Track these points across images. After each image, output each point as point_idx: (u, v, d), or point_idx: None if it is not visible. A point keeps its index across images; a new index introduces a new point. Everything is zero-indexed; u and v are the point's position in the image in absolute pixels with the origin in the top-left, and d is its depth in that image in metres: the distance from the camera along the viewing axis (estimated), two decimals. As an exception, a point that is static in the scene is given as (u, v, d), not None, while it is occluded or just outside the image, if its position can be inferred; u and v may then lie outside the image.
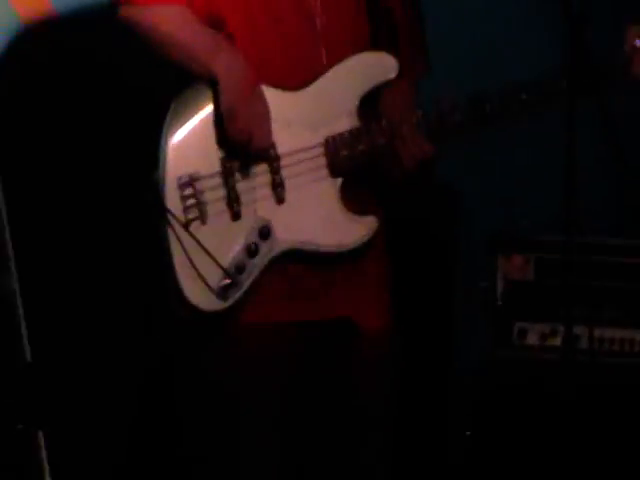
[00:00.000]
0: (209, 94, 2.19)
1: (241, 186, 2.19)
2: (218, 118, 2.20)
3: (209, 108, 2.19)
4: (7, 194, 2.13)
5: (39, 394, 2.21)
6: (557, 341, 3.01)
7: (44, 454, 2.28)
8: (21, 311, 2.17)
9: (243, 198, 2.18)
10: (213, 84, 2.21)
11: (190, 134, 2.18)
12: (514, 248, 2.92)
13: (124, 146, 2.42)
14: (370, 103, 2.27)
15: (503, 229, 2.94)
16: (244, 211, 2.18)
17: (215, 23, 2.26)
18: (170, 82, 2.22)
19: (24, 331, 2.13)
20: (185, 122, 2.19)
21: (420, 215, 3.01)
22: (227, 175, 2.19)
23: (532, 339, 2.99)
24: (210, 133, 2.19)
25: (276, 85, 2.22)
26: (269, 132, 2.19)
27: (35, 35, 2.54)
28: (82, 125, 2.60)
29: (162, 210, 2.16)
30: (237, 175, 2.19)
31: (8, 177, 2.08)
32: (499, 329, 2.95)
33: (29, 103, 2.51)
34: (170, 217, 2.14)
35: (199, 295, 2.17)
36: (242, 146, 2.17)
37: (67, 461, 2.53)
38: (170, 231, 2.16)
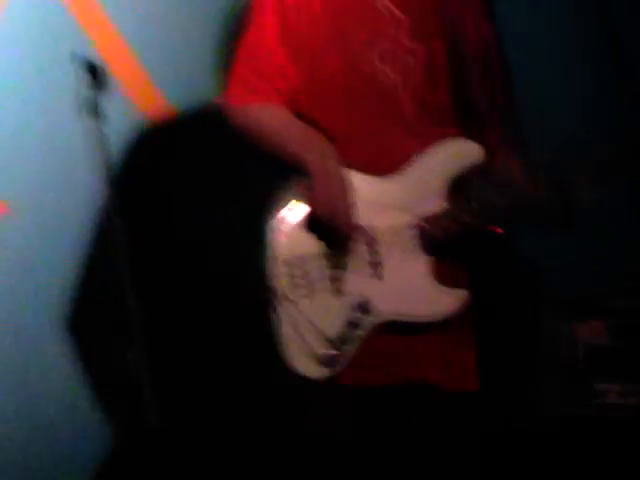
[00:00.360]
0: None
1: (343, 265, 2.38)
2: None
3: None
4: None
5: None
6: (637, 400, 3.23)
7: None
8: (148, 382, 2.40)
9: (345, 277, 2.39)
10: (308, 174, 2.45)
11: (297, 220, 2.41)
12: (592, 314, 3.18)
13: (236, 229, 2.69)
14: (460, 184, 2.45)
15: (579, 294, 3.20)
16: (346, 288, 2.38)
17: (309, 119, 2.50)
18: (274, 172, 2.51)
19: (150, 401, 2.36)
20: (292, 209, 2.41)
21: (504, 286, 3.26)
22: (330, 256, 2.39)
23: (611, 398, 3.20)
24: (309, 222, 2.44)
25: (370, 172, 2.42)
26: (350, 212, 2.38)
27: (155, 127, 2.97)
28: (198, 207, 2.92)
29: (272, 289, 2.46)
30: (339, 256, 2.40)
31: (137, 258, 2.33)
32: (579, 389, 3.18)
33: (150, 187, 2.82)
34: (280, 295, 2.38)
35: (305, 364, 2.36)
36: (327, 221, 2.39)
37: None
38: (280, 307, 2.37)
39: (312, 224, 2.45)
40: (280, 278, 2.40)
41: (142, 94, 2.96)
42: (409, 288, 2.42)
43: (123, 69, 2.92)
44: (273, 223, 2.44)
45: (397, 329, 2.43)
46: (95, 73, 2.57)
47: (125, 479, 2.96)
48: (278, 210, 2.44)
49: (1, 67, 2.62)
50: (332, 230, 2.42)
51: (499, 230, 2.80)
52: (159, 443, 2.44)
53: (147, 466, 2.49)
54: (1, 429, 2.70)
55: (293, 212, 2.45)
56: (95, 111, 2.49)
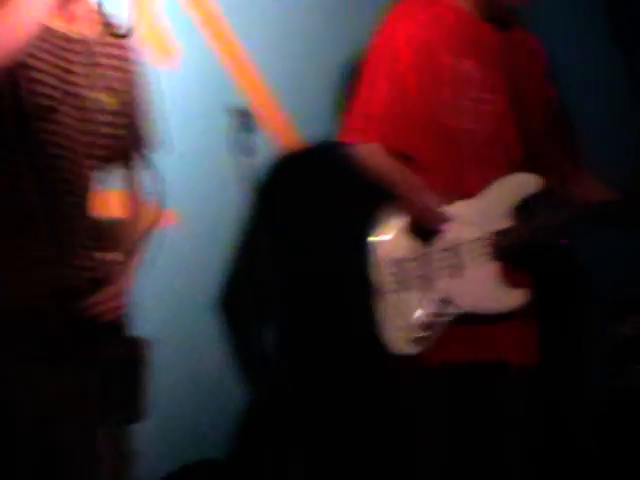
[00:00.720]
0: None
1: (431, 267, 3.13)
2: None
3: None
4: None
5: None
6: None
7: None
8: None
9: (432, 275, 3.13)
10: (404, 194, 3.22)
11: (397, 231, 3.18)
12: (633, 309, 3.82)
13: (350, 238, 3.41)
14: (525, 206, 3.20)
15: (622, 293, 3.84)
16: (434, 285, 3.11)
17: (404, 157, 3.24)
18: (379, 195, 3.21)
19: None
20: (393, 223, 3.19)
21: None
22: (422, 260, 3.14)
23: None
24: (407, 231, 3.18)
25: (453, 197, 3.18)
26: (437, 208, 3.14)
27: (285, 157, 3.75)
28: (321, 220, 3.67)
29: (376, 284, 3.18)
30: (429, 260, 3.15)
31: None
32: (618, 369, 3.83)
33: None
34: (382, 289, 3.16)
35: (401, 344, 3.11)
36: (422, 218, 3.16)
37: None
38: (381, 299, 3.16)
39: (411, 229, 3.17)
40: (383, 276, 3.14)
41: (280, 131, 3.71)
42: (482, 287, 3.15)
43: (266, 111, 3.65)
44: (377, 233, 3.19)
45: (473, 319, 3.12)
46: (246, 117, 3.32)
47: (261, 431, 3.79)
48: (382, 224, 3.19)
49: (174, 109, 3.38)
50: (426, 228, 3.15)
51: (561, 241, 3.50)
52: (289, 402, 3.17)
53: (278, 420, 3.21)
54: (175, 392, 3.47)
55: (392, 225, 3.19)
56: (245, 147, 3.25)
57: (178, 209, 3.47)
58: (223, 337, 3.72)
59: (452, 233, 3.15)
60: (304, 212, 3.72)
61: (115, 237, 2.91)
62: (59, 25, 2.67)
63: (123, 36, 2.69)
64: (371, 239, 3.19)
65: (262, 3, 3.76)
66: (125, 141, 2.77)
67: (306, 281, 3.71)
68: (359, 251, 3.18)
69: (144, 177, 2.79)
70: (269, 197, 3.54)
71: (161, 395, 2.83)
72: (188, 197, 3.52)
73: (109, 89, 2.73)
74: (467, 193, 3.19)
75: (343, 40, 3.69)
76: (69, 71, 2.66)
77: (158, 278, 3.35)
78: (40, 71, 2.62)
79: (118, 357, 2.96)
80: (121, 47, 2.76)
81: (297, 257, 3.66)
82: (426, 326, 3.09)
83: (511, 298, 3.13)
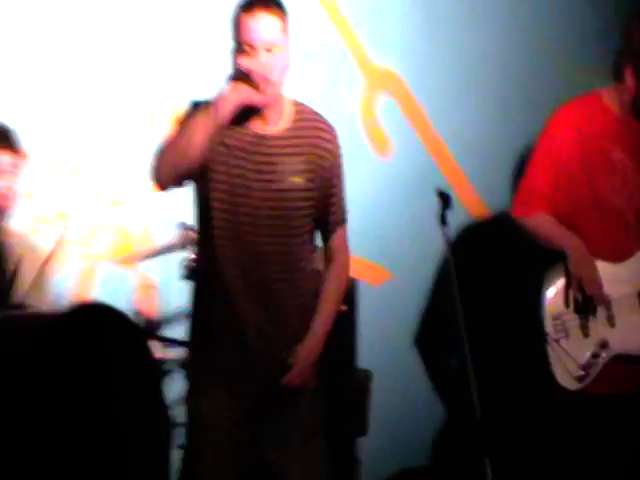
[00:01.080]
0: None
1: (589, 318, 3.88)
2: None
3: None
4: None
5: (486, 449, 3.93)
6: None
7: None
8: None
9: (590, 324, 3.88)
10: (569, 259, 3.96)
11: (559, 288, 3.92)
12: None
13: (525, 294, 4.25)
14: None
15: None
16: (591, 332, 3.87)
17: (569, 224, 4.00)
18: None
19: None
20: (556, 281, 3.93)
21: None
22: (581, 312, 3.89)
23: None
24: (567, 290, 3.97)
25: (607, 260, 3.93)
26: (600, 285, 3.87)
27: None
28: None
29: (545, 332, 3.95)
30: (587, 312, 3.93)
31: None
32: None
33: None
34: (549, 336, 3.92)
35: (567, 381, 3.87)
36: (586, 291, 3.89)
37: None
38: (549, 345, 3.91)
39: (572, 291, 3.94)
40: (549, 325, 3.89)
41: (471, 205, 4.60)
42: (633, 333, 3.89)
43: (461, 190, 4.58)
44: (546, 291, 3.94)
45: (625, 360, 3.89)
46: (446, 196, 4.12)
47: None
48: (550, 283, 3.93)
49: (389, 192, 4.38)
50: (586, 295, 3.90)
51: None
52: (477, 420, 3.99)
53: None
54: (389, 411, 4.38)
55: (558, 284, 3.95)
56: (444, 221, 4.07)
57: (392, 269, 4.46)
58: (426, 367, 4.67)
59: (607, 289, 3.88)
60: (489, 270, 4.59)
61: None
62: (256, 122, 3.33)
63: (316, 128, 3.35)
64: (542, 294, 3.95)
65: (460, 112, 4.62)
66: (319, 211, 3.39)
67: (488, 325, 4.53)
68: (533, 304, 3.98)
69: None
70: (462, 258, 4.23)
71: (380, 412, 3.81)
72: (400, 260, 4.48)
73: (297, 168, 3.35)
74: (619, 257, 3.93)
75: (519, 128, 4.52)
76: (256, 159, 3.32)
77: (376, 323, 4.32)
78: (224, 158, 3.30)
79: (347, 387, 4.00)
80: (313, 132, 3.37)
81: (482, 306, 4.49)
82: (586, 366, 3.84)
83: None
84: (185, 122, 3.31)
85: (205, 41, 4.33)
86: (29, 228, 4.13)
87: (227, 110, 3.25)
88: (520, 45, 4.81)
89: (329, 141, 3.40)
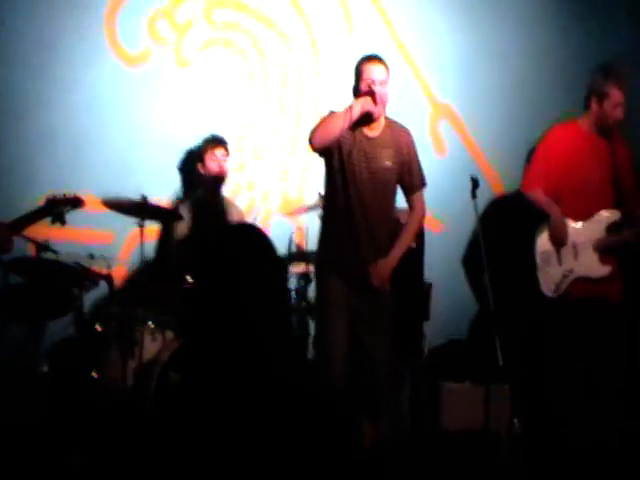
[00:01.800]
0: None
1: (561, 254, 6.03)
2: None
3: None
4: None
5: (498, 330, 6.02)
6: None
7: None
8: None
9: (562, 258, 6.03)
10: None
11: (545, 236, 6.06)
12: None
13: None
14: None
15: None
16: (563, 262, 6.01)
17: (555, 197, 6.07)
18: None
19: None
20: (543, 232, 6.07)
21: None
22: (557, 251, 6.05)
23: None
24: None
25: (575, 219, 6.04)
26: (564, 237, 5.99)
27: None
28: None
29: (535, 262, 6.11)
30: (561, 251, 6.07)
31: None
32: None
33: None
34: (538, 265, 6.06)
35: (548, 290, 6.04)
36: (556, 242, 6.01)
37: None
38: (538, 269, 6.10)
39: (551, 240, 6.05)
40: (538, 257, 6.05)
41: (494, 186, 6.87)
42: (588, 264, 6.03)
43: (488, 176, 6.88)
44: (537, 237, 6.09)
45: (584, 280, 6.00)
46: (476, 180, 6.14)
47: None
48: (540, 232, 6.06)
49: (444, 177, 6.58)
50: (557, 241, 6.03)
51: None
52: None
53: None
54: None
55: (544, 233, 6.05)
56: (474, 195, 5.98)
57: (445, 222, 6.78)
58: (467, 280, 6.85)
59: (575, 236, 5.97)
60: (505, 225, 6.64)
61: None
62: (366, 130, 5.43)
63: (398, 132, 5.41)
64: (534, 239, 6.10)
65: (488, 125, 6.87)
66: (402, 180, 5.47)
67: (503, 256, 6.47)
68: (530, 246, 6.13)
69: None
70: (488, 219, 6.61)
71: (436, 306, 6.31)
72: (450, 217, 6.75)
73: (388, 156, 5.44)
74: (584, 217, 6.02)
75: (527, 135, 6.61)
76: (364, 150, 5.40)
77: (435, 254, 6.55)
78: (349, 148, 5.35)
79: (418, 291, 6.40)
80: (397, 135, 5.45)
81: (500, 245, 6.42)
82: (560, 282, 6.01)
83: (605, 270, 6.02)
84: (332, 114, 5.34)
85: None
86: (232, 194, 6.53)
87: (358, 110, 5.30)
88: (537, 81, 7.01)
89: (406, 138, 5.50)
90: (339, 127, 5.29)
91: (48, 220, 5.23)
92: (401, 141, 5.46)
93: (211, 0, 6.52)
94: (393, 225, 5.55)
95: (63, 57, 6.20)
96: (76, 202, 5.08)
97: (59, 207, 5.01)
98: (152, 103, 6.37)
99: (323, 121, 5.36)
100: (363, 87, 5.35)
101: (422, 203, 5.53)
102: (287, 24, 6.65)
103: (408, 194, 5.54)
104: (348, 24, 6.72)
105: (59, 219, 5.01)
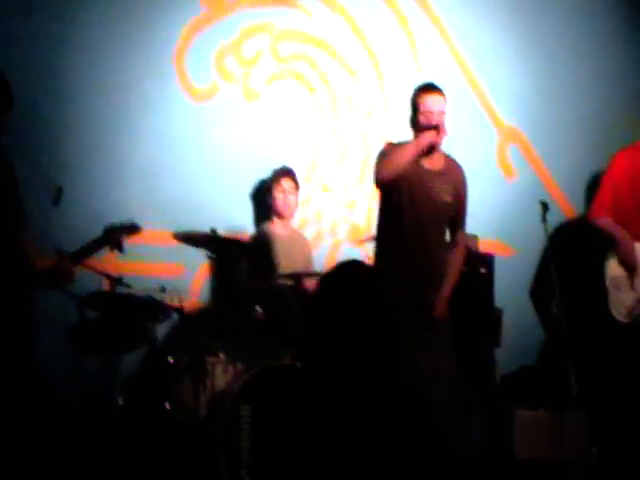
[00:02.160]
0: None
1: (633, 278, 6.09)
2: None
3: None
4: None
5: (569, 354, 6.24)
6: None
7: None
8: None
9: (635, 282, 6.09)
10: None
11: (614, 260, 6.14)
12: None
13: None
14: None
15: None
16: (636, 287, 6.08)
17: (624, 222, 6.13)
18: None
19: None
20: (613, 256, 6.15)
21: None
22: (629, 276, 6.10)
23: None
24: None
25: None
26: (634, 262, 6.04)
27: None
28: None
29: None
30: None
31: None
32: None
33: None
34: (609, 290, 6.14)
35: (619, 315, 6.10)
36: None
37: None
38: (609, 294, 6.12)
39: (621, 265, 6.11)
40: (608, 282, 6.10)
41: (565, 210, 6.85)
42: None
43: (558, 199, 6.86)
44: (607, 262, 6.15)
45: None
46: (545, 205, 6.24)
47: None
48: (609, 257, 6.13)
49: (515, 204, 6.69)
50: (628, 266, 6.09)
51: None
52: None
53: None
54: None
55: (614, 258, 6.11)
56: (544, 219, 6.21)
57: (515, 247, 6.76)
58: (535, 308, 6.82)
59: None
60: (575, 250, 6.64)
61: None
62: (425, 162, 5.31)
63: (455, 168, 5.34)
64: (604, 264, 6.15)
65: (557, 151, 6.88)
66: (454, 215, 5.37)
67: (573, 281, 6.50)
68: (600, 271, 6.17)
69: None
70: (558, 243, 6.54)
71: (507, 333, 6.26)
72: (520, 242, 6.75)
73: (448, 192, 5.35)
74: None
75: (596, 162, 6.69)
76: (428, 184, 5.30)
77: (505, 280, 6.49)
78: (410, 181, 5.22)
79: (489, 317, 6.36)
80: (454, 171, 5.37)
81: (570, 271, 6.49)
82: (633, 308, 6.06)
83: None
84: (397, 148, 5.23)
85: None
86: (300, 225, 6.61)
87: (425, 143, 5.21)
88: (607, 106, 7.05)
89: (461, 176, 5.42)
90: (406, 161, 5.21)
91: (119, 254, 5.32)
92: (458, 177, 5.40)
93: (277, 33, 6.57)
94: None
95: (135, 94, 6.31)
96: (132, 228, 5.13)
97: (116, 235, 5.05)
98: (221, 137, 6.44)
99: (389, 155, 5.24)
100: (422, 120, 5.25)
101: (463, 240, 5.48)
102: (353, 56, 6.71)
103: (454, 230, 5.47)
104: (413, 52, 6.75)
105: (117, 247, 5.05)
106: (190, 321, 5.93)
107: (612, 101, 6.97)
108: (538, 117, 6.89)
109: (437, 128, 5.19)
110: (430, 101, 5.28)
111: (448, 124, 5.30)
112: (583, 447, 5.99)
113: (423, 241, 5.34)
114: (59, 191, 5.09)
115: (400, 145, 5.28)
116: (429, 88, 5.33)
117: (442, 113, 5.29)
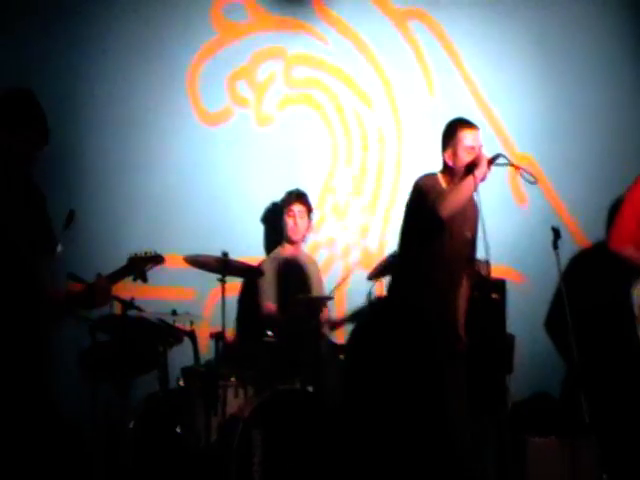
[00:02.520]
0: None
1: None
2: None
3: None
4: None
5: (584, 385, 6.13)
6: None
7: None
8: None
9: None
10: None
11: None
12: None
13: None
14: None
15: None
16: None
17: None
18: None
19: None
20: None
21: None
22: None
23: None
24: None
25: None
26: None
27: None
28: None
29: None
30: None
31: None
32: None
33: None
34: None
35: None
36: None
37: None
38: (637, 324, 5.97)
39: None
40: (637, 310, 5.94)
41: (577, 237, 6.77)
42: None
43: (570, 226, 6.78)
44: (633, 290, 6.00)
45: None
46: (557, 231, 6.25)
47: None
48: (636, 285, 5.99)
49: (526, 227, 6.64)
50: None
51: None
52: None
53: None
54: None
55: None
56: (555, 246, 6.14)
57: (527, 274, 6.70)
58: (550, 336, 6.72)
59: None
60: (591, 282, 6.56)
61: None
62: None
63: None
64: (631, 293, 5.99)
65: (570, 177, 6.81)
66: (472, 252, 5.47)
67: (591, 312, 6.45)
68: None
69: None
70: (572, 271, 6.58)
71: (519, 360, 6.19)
72: (532, 269, 6.68)
73: (468, 228, 5.44)
74: None
75: (612, 187, 6.60)
76: (457, 222, 5.33)
77: (518, 307, 6.46)
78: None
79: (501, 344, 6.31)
80: (472, 207, 5.37)
81: (586, 300, 6.47)
82: None
83: None
84: (458, 188, 5.28)
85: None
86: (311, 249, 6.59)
87: (481, 179, 5.28)
88: (620, 133, 6.94)
89: (478, 211, 5.43)
90: (467, 199, 5.33)
91: (131, 278, 5.34)
92: (475, 213, 5.50)
93: (290, 58, 6.58)
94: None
95: (147, 121, 6.37)
96: (157, 259, 5.18)
97: (141, 265, 5.11)
98: (233, 161, 6.48)
99: (450, 194, 5.32)
100: (464, 156, 5.35)
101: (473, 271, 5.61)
102: (366, 83, 6.71)
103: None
104: (427, 79, 6.75)
105: (141, 277, 5.10)
106: (201, 345, 5.93)
107: (625, 129, 6.90)
108: (550, 145, 6.83)
109: (488, 162, 5.28)
110: (471, 137, 5.40)
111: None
112: (594, 474, 5.90)
113: (447, 275, 5.43)
114: (71, 215, 5.10)
115: (461, 183, 5.32)
116: (468, 124, 5.47)
117: (481, 147, 5.41)
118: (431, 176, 5.40)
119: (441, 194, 5.29)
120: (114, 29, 6.35)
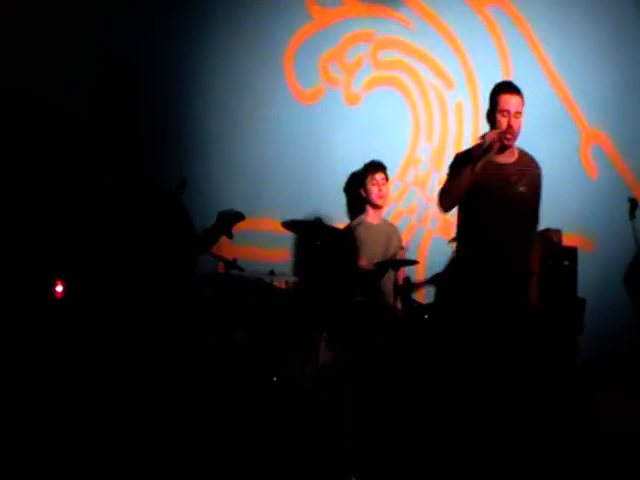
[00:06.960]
0: None
1: None
2: None
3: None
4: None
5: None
6: None
7: None
8: None
9: None
10: None
11: None
12: None
13: None
14: None
15: None
16: None
17: None
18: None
19: None
20: None
21: None
22: None
23: None
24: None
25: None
26: None
27: None
28: None
29: None
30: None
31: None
32: None
33: None
34: None
35: None
36: None
37: None
38: None
39: None
40: None
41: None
42: None
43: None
44: None
45: None
46: (633, 202, 6.35)
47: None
48: None
49: (596, 199, 6.74)
50: None
51: None
52: None
53: None
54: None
55: None
56: (632, 216, 6.38)
57: (596, 242, 6.78)
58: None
59: None
60: None
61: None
62: (498, 158, 5.29)
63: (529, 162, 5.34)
64: None
65: None
66: (531, 206, 5.36)
67: None
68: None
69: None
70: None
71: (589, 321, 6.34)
72: (602, 237, 6.76)
73: (523, 183, 5.34)
74: None
75: None
76: (502, 177, 5.32)
77: (588, 272, 6.50)
78: (487, 176, 5.18)
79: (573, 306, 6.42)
80: (529, 164, 5.38)
81: None
82: None
83: None
84: (452, 177, 5.23)
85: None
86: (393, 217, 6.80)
87: (480, 164, 5.16)
88: None
89: (536, 169, 5.42)
90: (464, 187, 5.24)
91: (229, 240, 5.55)
92: (532, 169, 5.42)
93: (377, 42, 6.78)
94: (543, 245, 5.65)
95: (249, 94, 6.59)
96: (239, 217, 5.40)
97: (227, 223, 5.33)
98: (324, 136, 6.68)
99: (447, 188, 5.29)
100: (499, 117, 5.27)
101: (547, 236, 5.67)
102: (448, 64, 6.86)
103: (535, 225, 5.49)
104: (503, 60, 6.86)
105: (227, 234, 5.34)
106: (296, 302, 6.13)
107: None
108: (623, 120, 6.87)
109: (504, 135, 5.22)
110: (508, 101, 5.29)
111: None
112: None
113: (503, 232, 5.29)
114: (183, 182, 5.34)
115: (456, 170, 5.28)
116: (509, 88, 5.35)
117: (518, 113, 5.29)
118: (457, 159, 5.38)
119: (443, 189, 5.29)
120: (219, 14, 6.61)
